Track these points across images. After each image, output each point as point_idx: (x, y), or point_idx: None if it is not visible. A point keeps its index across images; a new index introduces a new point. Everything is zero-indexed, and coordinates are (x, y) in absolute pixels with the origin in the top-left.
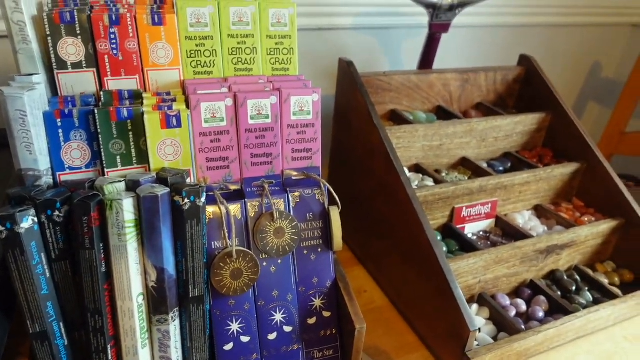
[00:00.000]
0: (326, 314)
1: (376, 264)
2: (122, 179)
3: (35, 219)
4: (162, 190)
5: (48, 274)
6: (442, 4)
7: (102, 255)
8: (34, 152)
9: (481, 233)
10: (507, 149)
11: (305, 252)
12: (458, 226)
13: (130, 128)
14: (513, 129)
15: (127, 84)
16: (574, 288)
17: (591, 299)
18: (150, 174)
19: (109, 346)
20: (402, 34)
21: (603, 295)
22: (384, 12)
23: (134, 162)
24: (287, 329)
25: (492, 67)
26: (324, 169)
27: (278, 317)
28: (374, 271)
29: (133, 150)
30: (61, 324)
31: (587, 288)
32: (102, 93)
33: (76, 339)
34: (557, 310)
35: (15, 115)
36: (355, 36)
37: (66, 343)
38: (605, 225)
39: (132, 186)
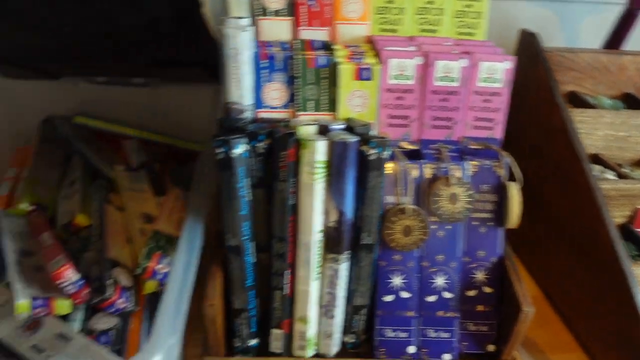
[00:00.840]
0: (487, 289)
1: (532, 251)
2: (314, 123)
3: (246, 147)
4: (352, 138)
5: (248, 198)
6: None
7: (293, 189)
8: (241, 88)
9: None
10: None
11: (475, 223)
12: (639, 229)
13: (324, 76)
14: None
15: (318, 34)
16: None
17: None
18: (339, 121)
19: (286, 271)
20: (586, 9)
21: None
22: None
23: (324, 108)
24: (447, 295)
25: None
26: None
27: (439, 281)
28: (528, 260)
29: (324, 98)
30: (252, 244)
31: None
32: (295, 41)
33: (260, 260)
34: None
35: (232, 53)
36: (530, 8)
37: (253, 261)
38: None
39: (322, 131)
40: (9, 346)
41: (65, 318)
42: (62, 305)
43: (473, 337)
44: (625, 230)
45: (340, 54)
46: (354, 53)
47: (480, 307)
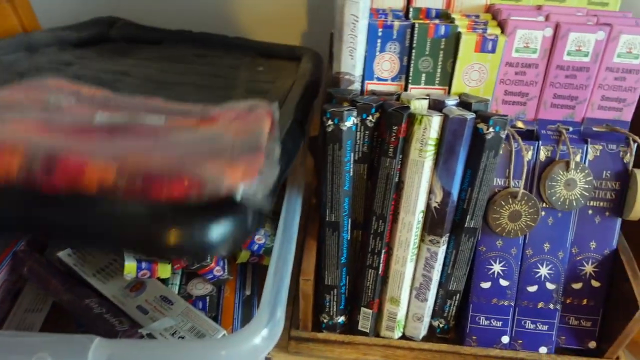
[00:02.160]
0: (595, 283)
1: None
2: (427, 97)
3: (356, 120)
4: (470, 115)
5: (351, 173)
6: None
7: (399, 166)
8: (355, 58)
9: None
10: None
11: (590, 211)
12: None
13: (442, 47)
14: None
15: (432, 2)
16: None
17: None
18: (452, 97)
19: (383, 250)
20: None
21: None
22: None
23: (437, 82)
24: (550, 286)
25: None
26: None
27: (543, 271)
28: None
29: (439, 70)
30: (349, 220)
31: None
32: (411, 9)
33: (354, 237)
34: None
35: (349, 20)
36: None
37: (349, 237)
38: None
39: (435, 106)
40: (117, 304)
41: (164, 282)
42: (164, 269)
43: (573, 331)
44: None
45: (462, 23)
46: (476, 22)
47: (585, 301)
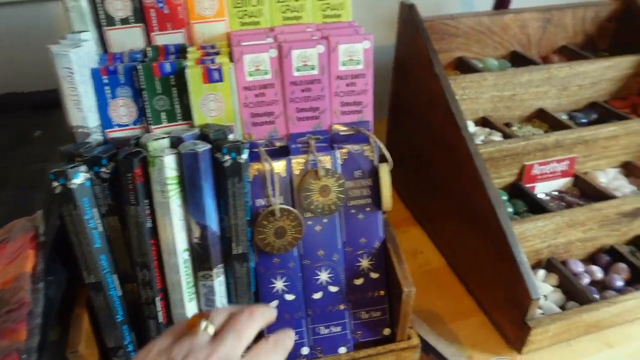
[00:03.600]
0: (374, 275)
1: (433, 224)
2: (166, 136)
3: (88, 175)
4: (202, 147)
5: (100, 228)
6: None
7: (148, 211)
8: (83, 110)
9: (555, 193)
10: (593, 98)
11: (352, 211)
12: (527, 185)
13: (173, 83)
14: (602, 74)
15: (173, 38)
16: None
17: None
18: (193, 130)
19: (157, 298)
20: None
21: None
22: None
23: (179, 118)
24: (333, 288)
25: (581, 3)
26: (383, 124)
27: (323, 276)
28: (431, 231)
29: (177, 106)
30: (115, 276)
31: None
32: (149, 49)
33: (129, 290)
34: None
35: (64, 73)
36: None
37: (120, 294)
38: None
39: (176, 142)
40: None
41: None
42: None
43: (367, 324)
44: (515, 188)
45: (193, 56)
46: (207, 54)
47: (369, 294)
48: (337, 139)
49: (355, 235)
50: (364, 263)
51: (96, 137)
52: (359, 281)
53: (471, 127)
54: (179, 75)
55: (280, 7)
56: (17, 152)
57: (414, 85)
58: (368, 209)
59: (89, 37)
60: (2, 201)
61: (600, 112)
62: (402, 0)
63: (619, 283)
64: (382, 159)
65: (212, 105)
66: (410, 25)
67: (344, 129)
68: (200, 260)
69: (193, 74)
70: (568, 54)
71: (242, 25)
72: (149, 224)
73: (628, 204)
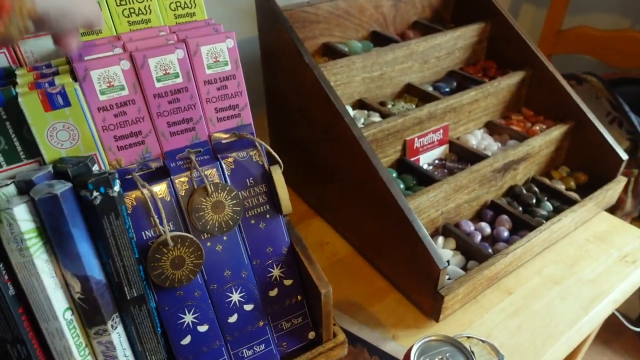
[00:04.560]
0: (287, 282)
1: (334, 213)
2: (10, 182)
3: None
4: (61, 187)
5: None
6: None
7: (6, 277)
8: None
9: (436, 161)
10: (450, 67)
11: (252, 221)
12: (412, 159)
13: (5, 117)
14: (454, 44)
15: None
16: (533, 201)
17: (551, 208)
18: (45, 168)
19: None
20: None
21: (562, 202)
22: None
23: (24, 157)
24: (248, 307)
25: None
26: (262, 122)
27: (235, 297)
28: (333, 221)
29: (17, 144)
30: None
31: (546, 198)
32: None
33: None
34: (521, 227)
35: None
36: None
37: None
38: (557, 131)
39: (25, 188)
40: None
41: None
42: None
43: (291, 333)
44: (401, 163)
45: (24, 80)
46: (42, 75)
47: (287, 302)
48: (220, 148)
49: (260, 246)
50: (275, 272)
51: None
52: (273, 292)
53: (350, 111)
54: (10, 106)
55: (122, 10)
56: None
57: (286, 77)
58: (268, 215)
59: None
60: None
61: (458, 79)
62: None
63: (505, 234)
64: (271, 159)
65: (62, 135)
66: (271, 16)
67: (225, 136)
68: (89, 316)
69: (29, 101)
70: (421, 28)
71: (81, 35)
72: (11, 291)
73: (499, 160)
